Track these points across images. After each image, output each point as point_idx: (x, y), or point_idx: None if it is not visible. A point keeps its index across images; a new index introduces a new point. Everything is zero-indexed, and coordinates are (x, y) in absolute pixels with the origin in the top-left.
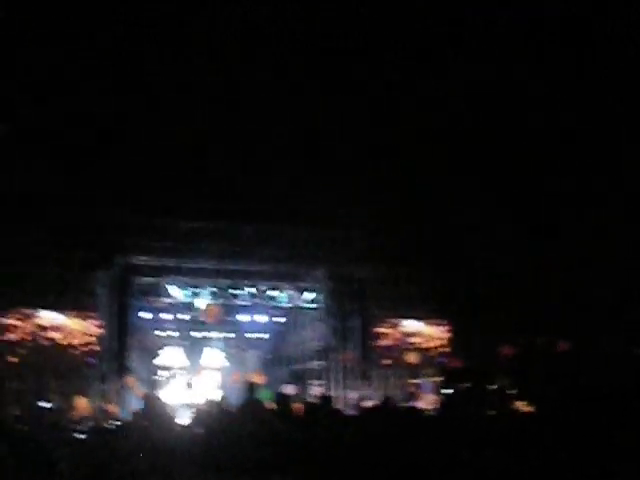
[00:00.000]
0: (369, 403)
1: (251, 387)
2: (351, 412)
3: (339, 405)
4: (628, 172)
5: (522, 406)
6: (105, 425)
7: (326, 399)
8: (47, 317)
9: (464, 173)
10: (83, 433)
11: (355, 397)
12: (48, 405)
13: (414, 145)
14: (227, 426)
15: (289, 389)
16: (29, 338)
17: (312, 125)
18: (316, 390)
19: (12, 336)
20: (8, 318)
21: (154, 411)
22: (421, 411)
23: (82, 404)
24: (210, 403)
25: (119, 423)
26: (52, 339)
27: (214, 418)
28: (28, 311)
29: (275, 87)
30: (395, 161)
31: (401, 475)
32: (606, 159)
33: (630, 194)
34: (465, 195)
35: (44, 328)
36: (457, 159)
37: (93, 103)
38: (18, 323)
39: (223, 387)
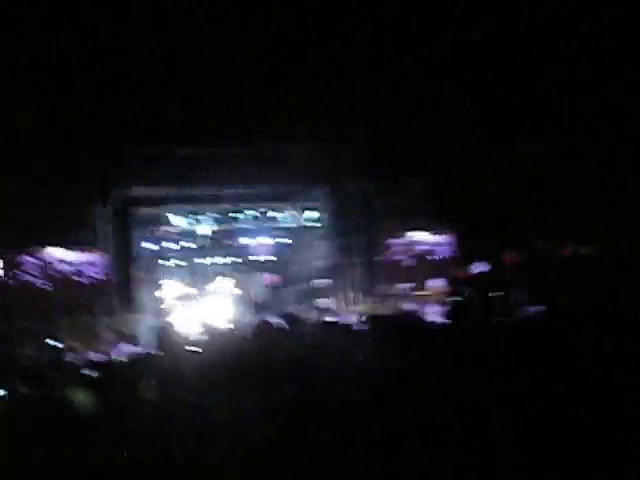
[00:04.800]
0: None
1: (259, 308)
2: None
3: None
4: None
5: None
6: (118, 359)
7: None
8: (53, 254)
9: (459, 86)
10: (96, 368)
11: (364, 312)
12: (59, 344)
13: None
14: (238, 347)
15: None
16: (36, 275)
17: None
18: (324, 308)
19: (19, 274)
20: (14, 256)
21: (167, 340)
22: (426, 321)
23: (93, 339)
24: (220, 329)
25: (132, 356)
26: (59, 275)
27: (225, 342)
28: (32, 249)
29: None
30: (393, 74)
31: (406, 386)
32: None
33: None
34: (464, 109)
35: (50, 264)
36: (452, 74)
37: (86, 34)
38: (24, 260)
39: (233, 312)
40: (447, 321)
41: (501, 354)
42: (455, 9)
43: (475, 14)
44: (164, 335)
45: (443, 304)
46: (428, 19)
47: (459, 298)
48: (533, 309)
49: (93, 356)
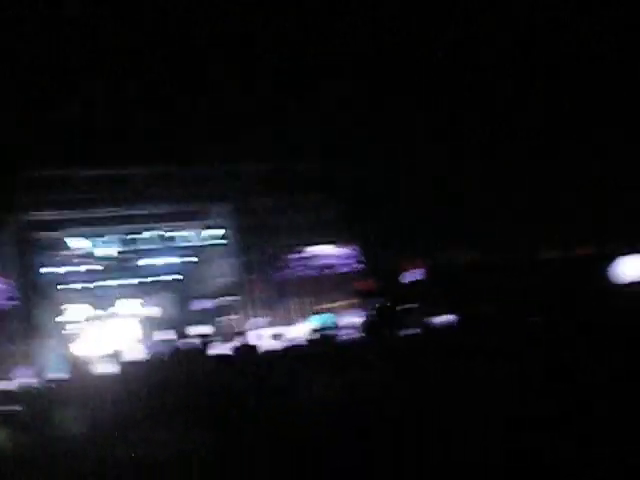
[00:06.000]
0: (290, 334)
1: (175, 333)
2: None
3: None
4: None
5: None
6: (29, 387)
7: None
8: None
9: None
10: (7, 400)
11: (270, 329)
12: None
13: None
14: (158, 374)
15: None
16: None
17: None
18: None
19: None
20: None
21: (77, 366)
22: (342, 337)
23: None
24: (129, 352)
25: (42, 384)
26: None
27: (138, 366)
28: None
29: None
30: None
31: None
32: None
33: None
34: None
35: None
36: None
37: None
38: None
39: (139, 334)
40: (361, 334)
41: (420, 363)
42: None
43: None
44: (74, 361)
45: (354, 316)
46: None
47: (370, 310)
48: (445, 318)
49: (2, 385)
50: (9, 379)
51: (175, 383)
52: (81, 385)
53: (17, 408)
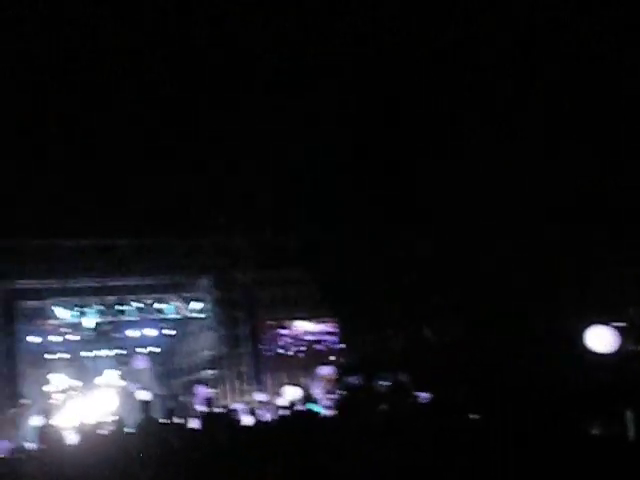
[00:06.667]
0: (270, 409)
1: (146, 405)
2: (249, 420)
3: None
4: None
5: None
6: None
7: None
8: None
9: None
10: None
11: (251, 403)
12: None
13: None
14: (124, 447)
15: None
16: None
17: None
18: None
19: None
20: None
21: (47, 438)
22: (317, 414)
23: None
24: (107, 424)
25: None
26: None
27: (111, 440)
28: None
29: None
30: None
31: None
32: None
33: None
34: (344, 198)
35: None
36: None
37: None
38: None
39: (119, 405)
40: (336, 412)
41: (390, 444)
42: None
43: None
44: (45, 432)
45: (332, 393)
46: None
47: (347, 387)
48: (424, 397)
49: None
50: None
51: (146, 456)
52: (49, 456)
53: None
